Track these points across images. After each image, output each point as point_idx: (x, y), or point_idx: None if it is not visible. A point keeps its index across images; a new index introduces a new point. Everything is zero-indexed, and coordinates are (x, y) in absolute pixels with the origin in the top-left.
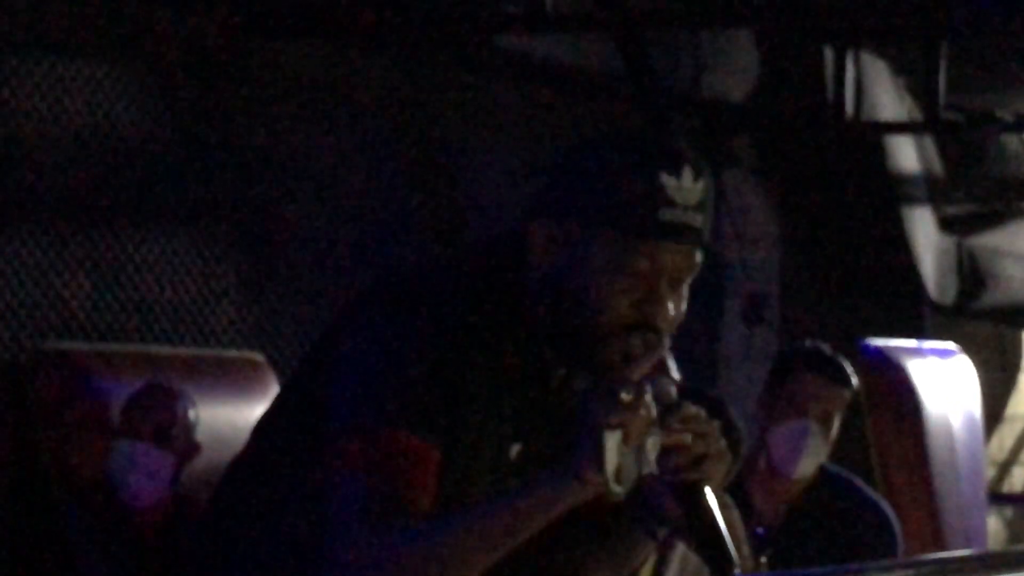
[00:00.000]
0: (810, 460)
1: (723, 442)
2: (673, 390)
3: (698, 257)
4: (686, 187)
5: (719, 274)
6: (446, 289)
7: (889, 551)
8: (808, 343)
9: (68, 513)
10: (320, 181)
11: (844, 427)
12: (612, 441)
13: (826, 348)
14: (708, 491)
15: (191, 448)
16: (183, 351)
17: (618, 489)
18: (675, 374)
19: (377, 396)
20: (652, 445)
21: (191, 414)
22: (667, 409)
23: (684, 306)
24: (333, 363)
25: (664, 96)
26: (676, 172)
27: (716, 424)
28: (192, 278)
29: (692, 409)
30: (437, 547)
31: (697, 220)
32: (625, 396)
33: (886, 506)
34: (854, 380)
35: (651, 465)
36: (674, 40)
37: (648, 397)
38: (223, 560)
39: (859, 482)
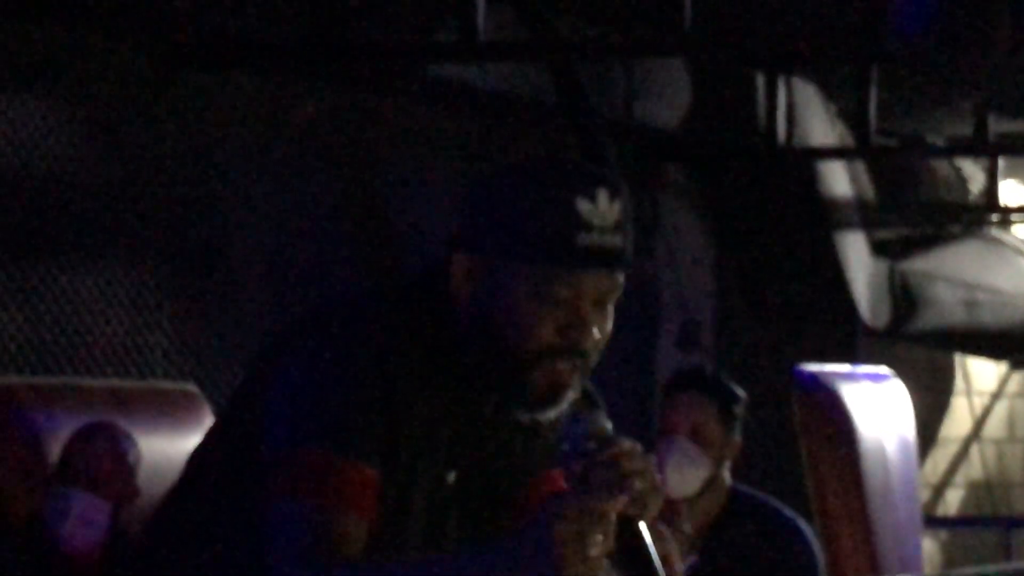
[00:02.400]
0: (682, 475)
1: (658, 476)
2: (608, 425)
3: (621, 278)
4: (602, 209)
5: (653, 300)
6: (376, 318)
7: (809, 570)
8: (691, 365)
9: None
10: (254, 211)
11: (780, 453)
12: None
13: (706, 368)
14: (643, 525)
15: (130, 493)
16: (116, 383)
17: None
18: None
19: (311, 423)
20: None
21: (132, 456)
22: (602, 444)
23: (609, 326)
24: (265, 392)
25: (597, 123)
26: (591, 195)
27: (651, 459)
28: (125, 309)
29: (627, 444)
30: None
31: (616, 241)
32: (598, 544)
33: (803, 524)
34: (738, 394)
35: None
36: (606, 68)
37: (612, 526)
38: None
39: (775, 503)
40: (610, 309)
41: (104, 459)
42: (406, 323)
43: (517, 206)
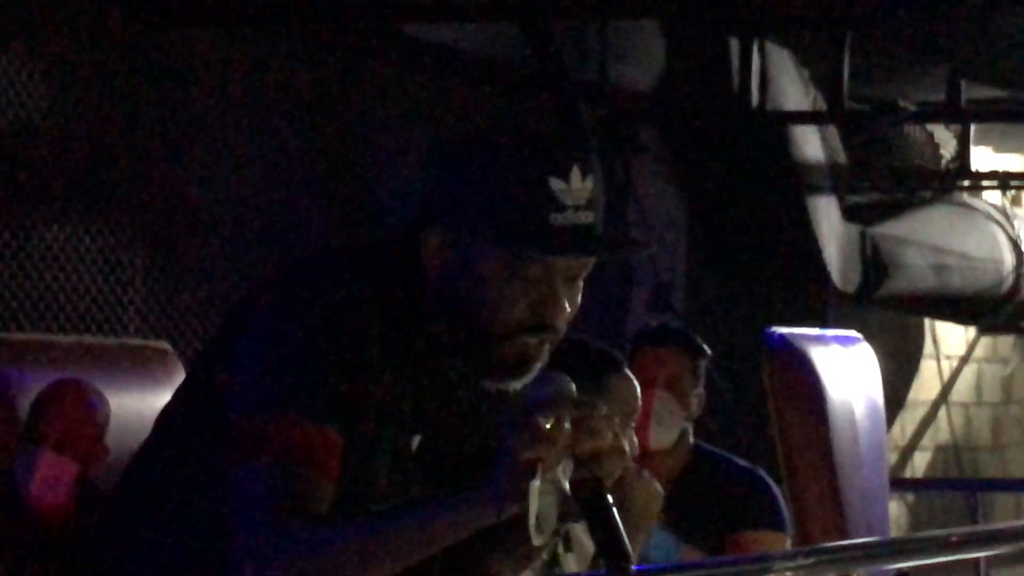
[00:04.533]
0: (662, 428)
1: (621, 438)
2: (572, 386)
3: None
4: (575, 188)
5: (625, 263)
6: (342, 282)
7: (771, 511)
8: (656, 321)
9: None
10: (227, 170)
11: (750, 414)
12: (535, 490)
13: (672, 322)
14: (605, 487)
15: (98, 451)
16: (89, 340)
17: (539, 540)
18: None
19: (275, 384)
20: (564, 470)
21: (100, 415)
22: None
23: (579, 299)
24: (231, 353)
25: (571, 86)
26: (563, 174)
27: (614, 420)
28: (98, 267)
29: (590, 406)
30: (343, 550)
31: (589, 218)
32: (544, 424)
33: (762, 472)
34: (705, 349)
35: (564, 489)
36: (581, 30)
37: (567, 424)
38: (126, 550)
39: (733, 457)
40: (580, 284)
41: (71, 418)
42: (373, 287)
43: (489, 186)
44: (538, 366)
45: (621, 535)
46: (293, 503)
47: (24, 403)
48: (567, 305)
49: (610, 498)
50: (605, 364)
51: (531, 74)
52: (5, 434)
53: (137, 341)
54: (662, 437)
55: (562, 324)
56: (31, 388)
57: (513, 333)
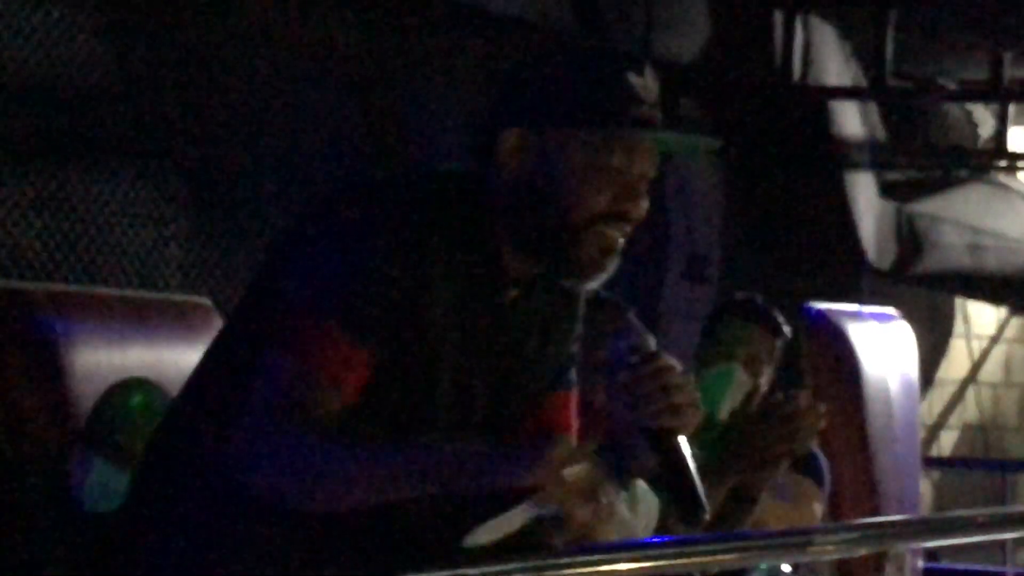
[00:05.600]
0: (734, 403)
1: (697, 393)
2: (652, 340)
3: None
4: (649, 85)
5: (662, 233)
6: (405, 203)
7: (810, 460)
8: (742, 294)
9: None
10: (271, 126)
11: (786, 387)
12: (517, 514)
13: (758, 298)
14: (682, 439)
15: None
16: (131, 294)
17: (475, 541)
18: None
19: (323, 291)
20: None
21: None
22: (644, 358)
23: (647, 202)
24: (283, 271)
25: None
26: (639, 71)
27: (691, 375)
28: (141, 221)
29: (668, 360)
30: (331, 463)
31: (659, 116)
32: (571, 474)
33: (815, 447)
34: (786, 329)
35: (538, 517)
36: (625, 0)
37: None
38: (165, 492)
39: None
40: (646, 187)
41: (135, 426)
42: (434, 210)
43: (573, 78)
44: (615, 262)
45: (696, 485)
46: (301, 403)
47: (67, 353)
48: (643, 201)
49: (686, 449)
50: (611, 308)
51: (576, 42)
52: (50, 386)
53: (179, 296)
54: (730, 410)
55: (638, 216)
56: (74, 338)
57: (593, 223)
